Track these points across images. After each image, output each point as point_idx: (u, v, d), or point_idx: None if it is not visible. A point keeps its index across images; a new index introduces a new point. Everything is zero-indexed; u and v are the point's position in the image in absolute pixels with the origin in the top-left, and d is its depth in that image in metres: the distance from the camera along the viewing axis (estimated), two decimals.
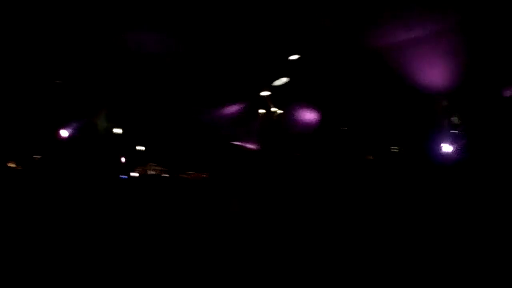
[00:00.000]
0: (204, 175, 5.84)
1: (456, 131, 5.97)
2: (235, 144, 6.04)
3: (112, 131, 5.76)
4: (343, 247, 4.67)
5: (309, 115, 6.02)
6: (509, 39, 5.56)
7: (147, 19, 5.02)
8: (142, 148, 5.76)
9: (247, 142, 6.04)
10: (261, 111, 6.06)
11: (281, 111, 6.09)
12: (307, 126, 6.03)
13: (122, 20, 5.09)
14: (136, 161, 5.74)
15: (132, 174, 5.64)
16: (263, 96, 6.02)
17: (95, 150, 5.65)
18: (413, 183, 5.71)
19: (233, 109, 5.98)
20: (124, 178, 5.44)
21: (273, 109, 6.06)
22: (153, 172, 5.76)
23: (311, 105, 6.03)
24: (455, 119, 6.04)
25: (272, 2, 5.45)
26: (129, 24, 5.03)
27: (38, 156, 5.48)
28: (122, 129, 5.78)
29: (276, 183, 5.84)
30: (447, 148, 5.88)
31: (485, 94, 5.86)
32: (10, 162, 5.33)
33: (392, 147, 5.94)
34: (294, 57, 5.93)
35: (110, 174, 5.54)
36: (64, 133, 5.54)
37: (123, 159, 5.68)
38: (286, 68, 5.96)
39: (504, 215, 4.97)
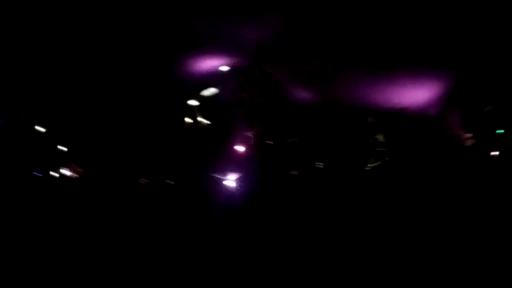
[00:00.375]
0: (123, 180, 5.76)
1: (381, 149, 5.95)
2: (156, 153, 5.98)
3: (34, 129, 5.72)
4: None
5: (236, 127, 6.00)
6: (432, 56, 5.69)
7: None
8: (65, 148, 5.70)
9: (170, 150, 5.99)
10: (188, 120, 6.04)
11: (209, 122, 6.07)
12: (234, 138, 5.99)
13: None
14: (56, 160, 5.67)
15: (50, 173, 5.55)
16: (191, 106, 6.02)
17: (14, 147, 5.58)
18: (337, 199, 5.65)
19: (159, 116, 5.96)
20: (39, 176, 5.35)
21: (200, 119, 6.04)
22: (73, 173, 5.67)
23: (239, 118, 6.02)
24: (380, 137, 6.04)
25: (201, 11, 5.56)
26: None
27: None
28: (45, 128, 5.74)
29: (194, 194, 5.78)
30: (372, 165, 5.83)
31: (410, 112, 5.90)
32: None
33: (317, 163, 5.88)
34: (224, 68, 5.98)
35: (25, 172, 5.45)
36: None
37: (42, 157, 5.60)
38: (216, 79, 5.99)
39: (425, 231, 5.04)
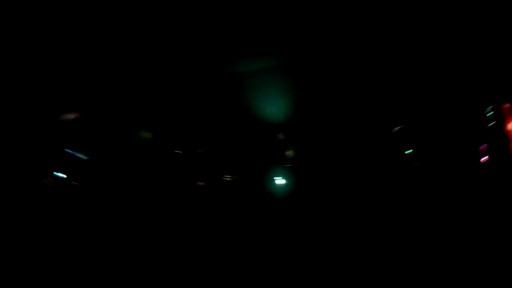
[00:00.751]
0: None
1: (291, 164, 6.02)
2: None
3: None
4: None
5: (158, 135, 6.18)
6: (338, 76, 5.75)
7: None
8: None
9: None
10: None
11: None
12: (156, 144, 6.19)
13: None
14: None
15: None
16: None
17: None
18: (246, 212, 5.80)
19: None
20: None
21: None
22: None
23: (163, 125, 6.21)
24: (290, 153, 6.10)
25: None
26: None
27: None
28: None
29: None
30: (281, 180, 5.94)
31: (318, 128, 5.94)
32: None
33: (225, 176, 6.06)
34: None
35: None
36: None
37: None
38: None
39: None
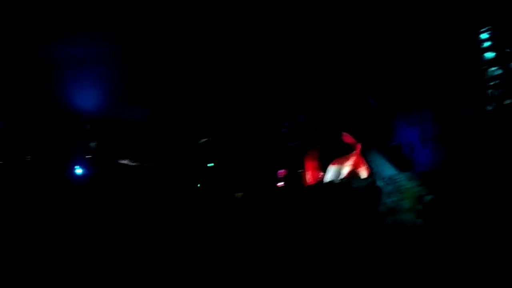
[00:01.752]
0: None
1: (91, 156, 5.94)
2: None
3: None
4: None
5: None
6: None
7: None
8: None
9: None
10: None
11: None
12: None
13: None
14: None
15: None
16: None
17: None
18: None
19: None
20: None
21: None
22: None
23: None
24: (93, 144, 6.02)
25: None
26: None
27: None
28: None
29: None
30: (80, 171, 5.82)
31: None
32: None
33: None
34: None
35: None
36: None
37: None
38: None
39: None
